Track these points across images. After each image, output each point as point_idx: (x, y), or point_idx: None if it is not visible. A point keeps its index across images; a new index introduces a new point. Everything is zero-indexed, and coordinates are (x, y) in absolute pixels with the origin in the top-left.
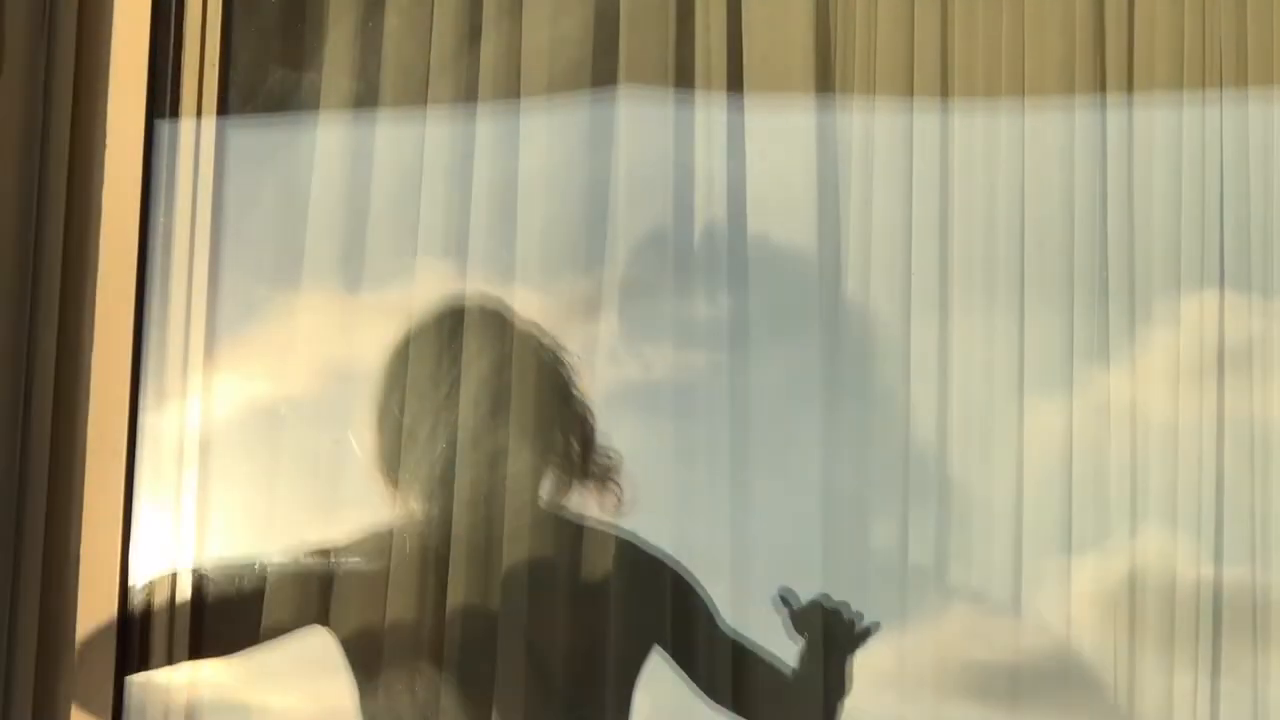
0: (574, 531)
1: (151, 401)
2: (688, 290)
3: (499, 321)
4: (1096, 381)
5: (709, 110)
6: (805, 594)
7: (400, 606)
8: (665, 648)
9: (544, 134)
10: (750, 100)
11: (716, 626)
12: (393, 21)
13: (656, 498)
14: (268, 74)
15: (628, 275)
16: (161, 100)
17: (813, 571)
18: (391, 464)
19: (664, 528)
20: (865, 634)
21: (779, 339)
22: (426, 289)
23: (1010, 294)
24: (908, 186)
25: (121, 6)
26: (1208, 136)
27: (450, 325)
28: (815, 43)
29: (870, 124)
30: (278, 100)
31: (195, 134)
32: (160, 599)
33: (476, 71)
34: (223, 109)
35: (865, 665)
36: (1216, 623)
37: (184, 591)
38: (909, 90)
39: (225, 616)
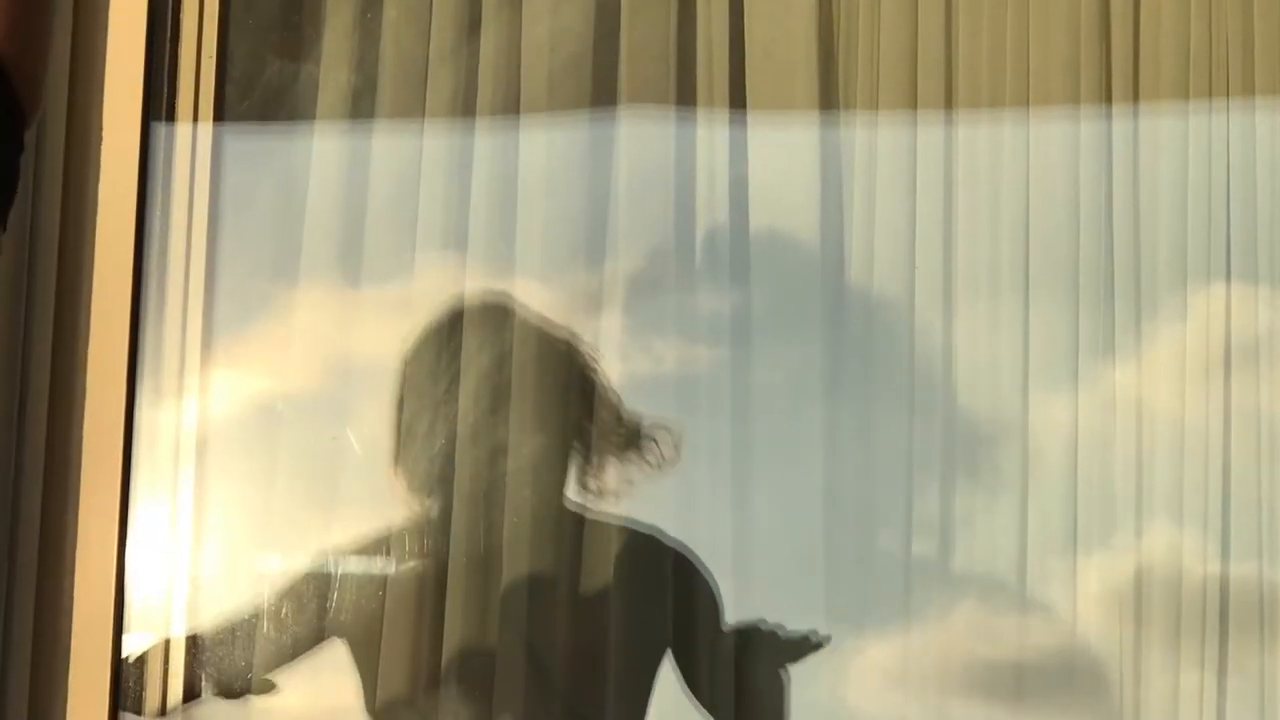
0: (601, 530)
1: (148, 400)
2: (691, 288)
3: (509, 316)
4: (1103, 379)
5: (710, 108)
6: (808, 593)
7: (427, 611)
8: (672, 650)
9: (544, 131)
10: (753, 96)
11: (721, 632)
12: (390, 14)
13: (658, 494)
14: (265, 73)
15: (630, 274)
16: (158, 102)
17: (815, 568)
18: (411, 466)
19: (665, 524)
20: (813, 646)
21: (782, 337)
22: (426, 285)
23: (1015, 292)
24: (911, 190)
25: (117, 6)
26: (1214, 141)
27: (462, 324)
28: (818, 41)
29: (874, 125)
30: (275, 99)
31: (192, 135)
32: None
33: (476, 65)
34: (219, 110)
35: (869, 663)
36: (1224, 620)
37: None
38: (913, 95)
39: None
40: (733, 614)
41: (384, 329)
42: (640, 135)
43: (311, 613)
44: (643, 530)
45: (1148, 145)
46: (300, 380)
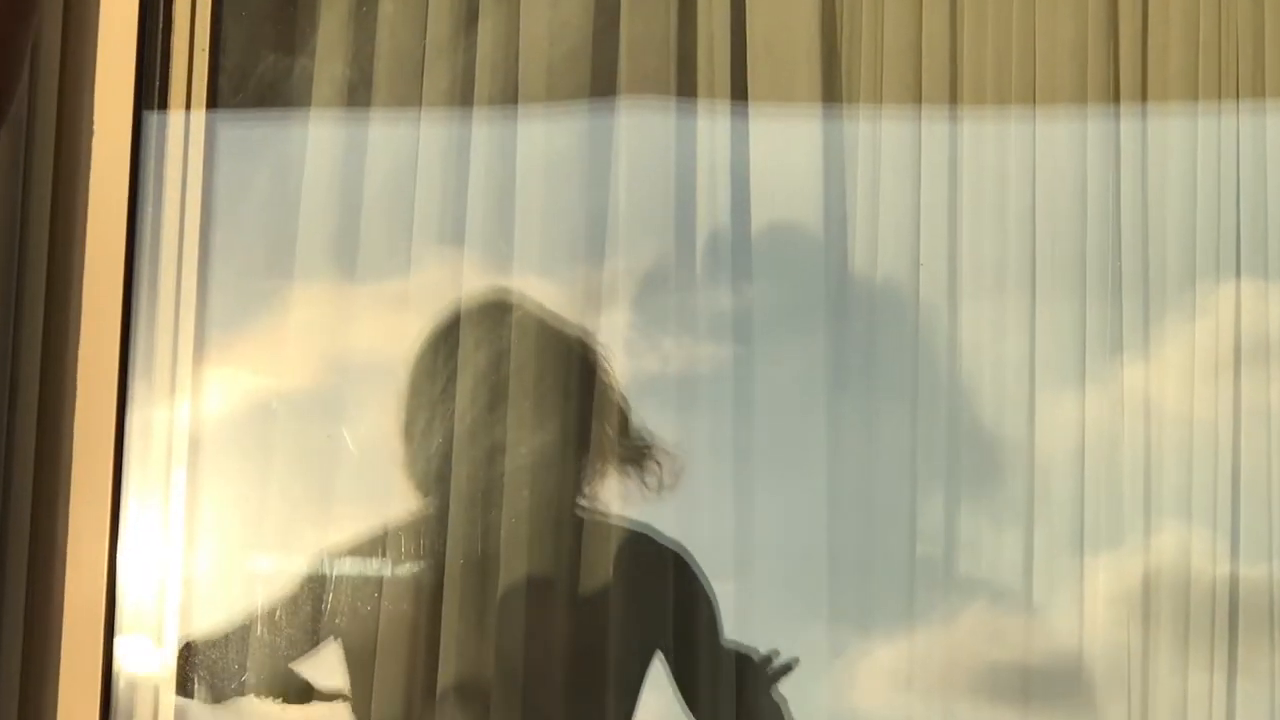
0: (605, 531)
1: (140, 397)
2: (692, 284)
3: (525, 314)
4: (1111, 378)
5: (712, 101)
6: (811, 595)
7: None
8: (666, 655)
9: (543, 124)
10: (754, 88)
11: (719, 641)
12: (386, 3)
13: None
14: (259, 62)
15: (630, 270)
16: (150, 91)
17: (819, 569)
18: (423, 469)
19: (666, 524)
20: (782, 670)
21: (784, 334)
22: (422, 280)
23: (1022, 290)
24: (916, 185)
25: None
26: (1223, 137)
27: (478, 321)
28: (821, 33)
29: (877, 119)
30: (269, 89)
31: (185, 125)
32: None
33: (474, 56)
34: (213, 100)
35: (874, 666)
36: (1233, 621)
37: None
38: (917, 88)
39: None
40: (734, 616)
41: (380, 324)
42: (640, 128)
43: (306, 615)
44: (636, 530)
45: (1156, 141)
46: (295, 377)
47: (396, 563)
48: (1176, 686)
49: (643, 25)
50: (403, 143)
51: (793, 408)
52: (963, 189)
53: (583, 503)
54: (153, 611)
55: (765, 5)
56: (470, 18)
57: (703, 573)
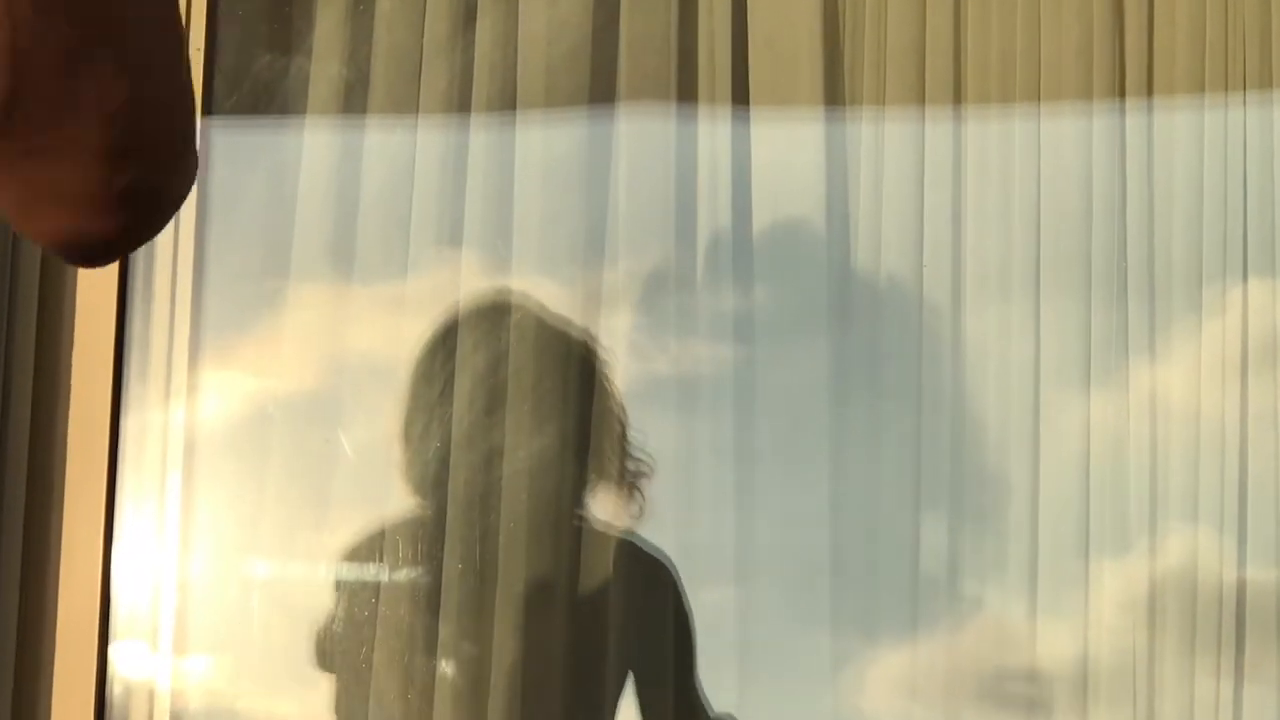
0: (601, 542)
1: (134, 401)
2: (693, 288)
3: (528, 316)
4: (1116, 379)
5: (712, 103)
6: (813, 600)
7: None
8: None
9: (542, 127)
10: (756, 90)
11: (693, 682)
12: (384, 5)
13: (659, 496)
14: (255, 65)
15: (630, 273)
16: None
17: (821, 574)
18: (422, 474)
19: (666, 527)
20: None
21: (787, 337)
22: (420, 284)
23: (1027, 291)
24: (919, 186)
25: None
26: (1230, 135)
27: (486, 324)
28: (823, 33)
29: (880, 120)
30: (265, 93)
31: None
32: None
33: (472, 58)
34: (208, 104)
35: (879, 672)
36: (1240, 627)
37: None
38: (920, 89)
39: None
40: (735, 620)
41: (377, 329)
42: (640, 131)
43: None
44: (622, 539)
45: (1162, 139)
46: (291, 381)
47: (394, 567)
48: (1183, 691)
49: (643, 25)
50: (401, 145)
51: (795, 411)
52: (967, 189)
53: (578, 511)
54: (147, 617)
55: (766, 4)
56: (468, 17)
57: (682, 590)
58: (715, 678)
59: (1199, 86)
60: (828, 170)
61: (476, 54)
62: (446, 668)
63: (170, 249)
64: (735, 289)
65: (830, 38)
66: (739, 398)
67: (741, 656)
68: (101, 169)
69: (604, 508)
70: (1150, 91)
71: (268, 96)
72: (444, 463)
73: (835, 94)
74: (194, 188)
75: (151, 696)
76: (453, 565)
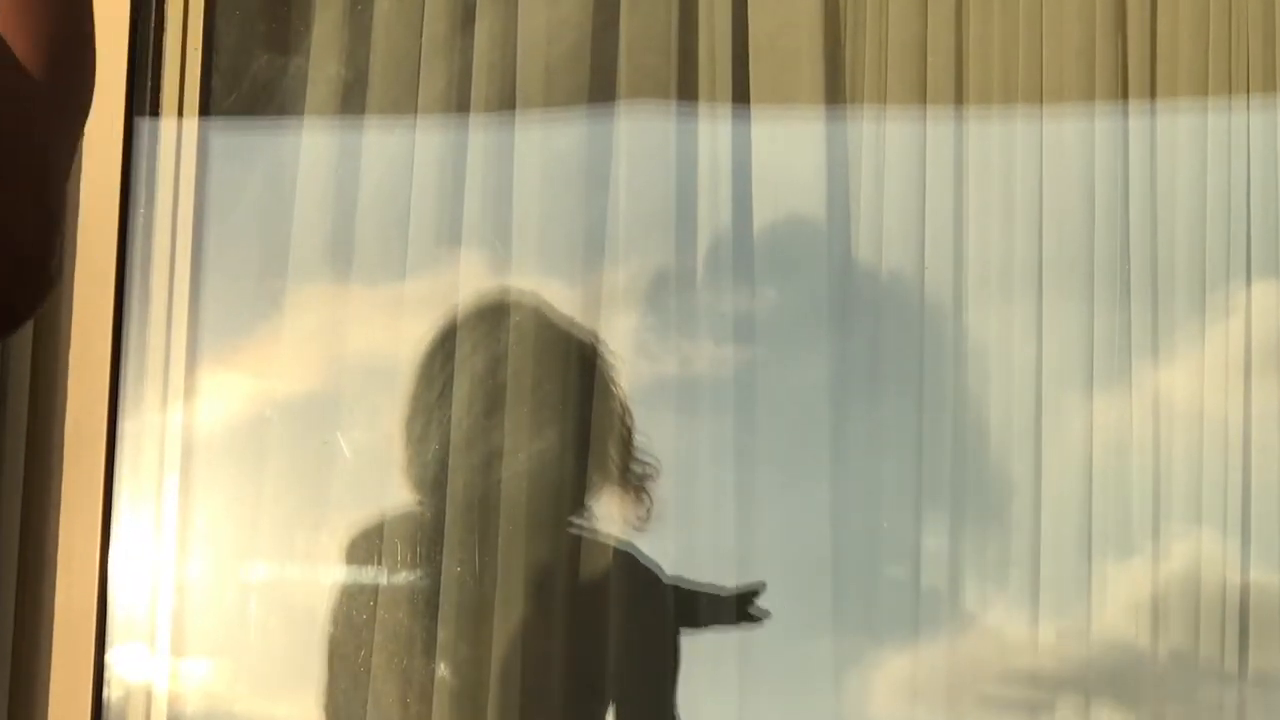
0: (600, 546)
1: (131, 403)
2: (693, 288)
3: (537, 316)
4: (1119, 381)
5: (713, 102)
6: (815, 602)
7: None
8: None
9: (541, 126)
10: (756, 89)
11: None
12: (382, 4)
13: (660, 497)
14: (253, 65)
15: (630, 274)
16: (142, 96)
17: (823, 576)
18: (422, 475)
19: (667, 529)
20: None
21: (787, 338)
22: (419, 285)
23: (1029, 292)
24: (921, 186)
25: None
26: (1234, 135)
27: (496, 324)
28: (824, 32)
29: (882, 119)
30: (263, 93)
31: (177, 130)
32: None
33: (470, 58)
34: (205, 104)
35: (880, 675)
36: (1244, 630)
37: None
38: (922, 88)
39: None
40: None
41: (376, 329)
42: (640, 130)
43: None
44: (619, 548)
45: (1165, 140)
46: (289, 383)
47: (392, 569)
48: (1187, 695)
49: (642, 24)
50: (400, 145)
51: (796, 412)
52: (969, 190)
53: (580, 514)
54: (145, 620)
55: (767, 2)
56: (467, 17)
57: (669, 605)
58: (716, 680)
59: (1202, 87)
60: (829, 170)
61: (475, 54)
62: (444, 671)
63: (168, 249)
64: (736, 289)
65: (831, 36)
66: (740, 398)
67: (742, 658)
68: None
69: (611, 511)
70: (1153, 92)
71: (266, 96)
72: (443, 464)
73: (836, 93)
74: (192, 188)
75: (149, 699)
76: (451, 568)
